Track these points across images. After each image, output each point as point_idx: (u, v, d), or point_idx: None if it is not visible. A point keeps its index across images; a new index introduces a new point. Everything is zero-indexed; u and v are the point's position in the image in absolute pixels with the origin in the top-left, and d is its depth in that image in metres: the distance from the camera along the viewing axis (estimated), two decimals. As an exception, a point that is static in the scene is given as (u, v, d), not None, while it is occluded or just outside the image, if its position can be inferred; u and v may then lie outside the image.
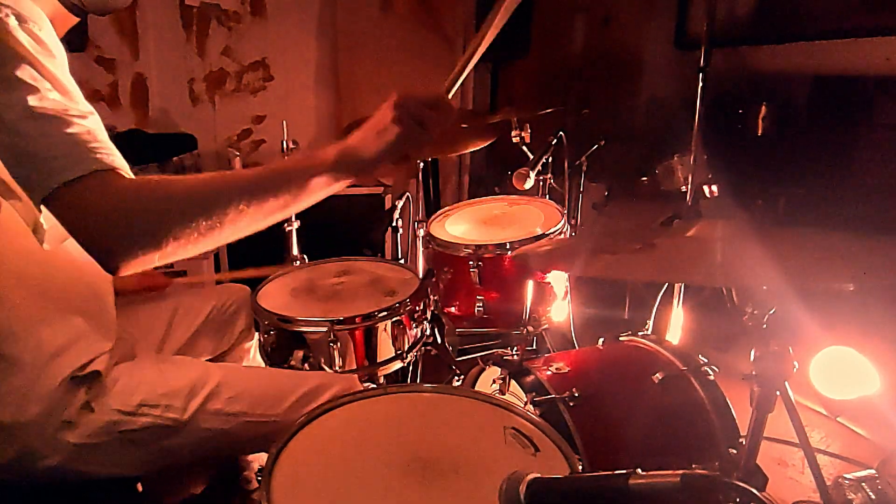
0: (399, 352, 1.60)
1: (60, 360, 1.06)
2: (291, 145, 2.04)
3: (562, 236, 1.82)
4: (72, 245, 0.99)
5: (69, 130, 0.82)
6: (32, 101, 0.81)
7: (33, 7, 0.88)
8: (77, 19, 1.03)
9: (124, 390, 1.11)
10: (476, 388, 1.52)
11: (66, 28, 1.00)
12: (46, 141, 0.81)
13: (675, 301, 2.24)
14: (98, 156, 0.83)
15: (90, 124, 0.85)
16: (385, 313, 1.52)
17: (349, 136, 0.96)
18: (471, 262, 1.75)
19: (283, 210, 0.92)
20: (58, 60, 0.88)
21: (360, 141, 0.95)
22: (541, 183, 2.20)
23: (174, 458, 1.17)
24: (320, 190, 0.94)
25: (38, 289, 1.05)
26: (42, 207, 0.82)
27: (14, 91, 0.81)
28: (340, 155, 0.94)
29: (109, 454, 1.10)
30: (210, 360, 1.54)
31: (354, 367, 1.53)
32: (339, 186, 0.96)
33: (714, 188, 2.44)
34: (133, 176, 0.87)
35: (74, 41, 0.93)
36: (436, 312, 1.77)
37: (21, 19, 0.85)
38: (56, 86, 0.85)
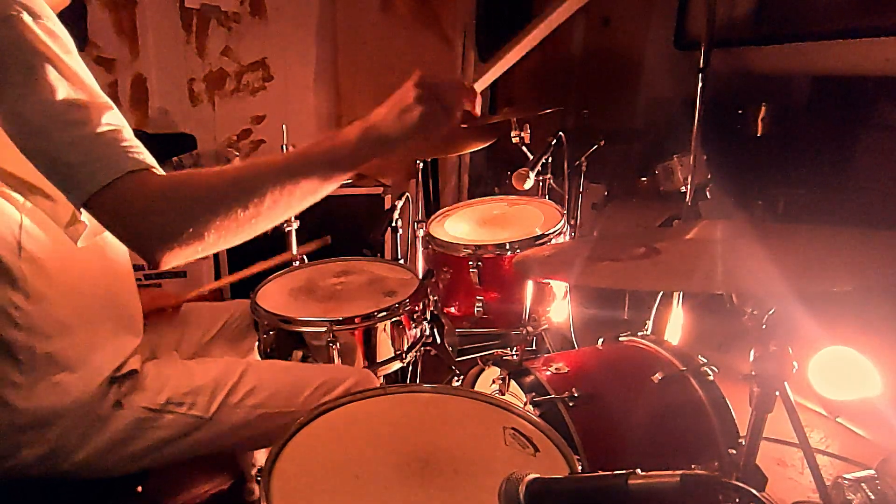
0: (398, 352, 1.60)
1: (97, 360, 1.08)
2: (291, 148, 2.04)
3: (561, 237, 1.82)
4: (95, 245, 1.00)
5: (98, 131, 0.83)
6: (59, 104, 0.81)
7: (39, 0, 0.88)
8: (68, 1, 1.01)
9: (152, 388, 1.14)
10: (476, 388, 1.52)
11: (58, 10, 0.97)
12: (78, 147, 0.81)
13: (675, 301, 2.25)
14: (131, 156, 0.84)
15: (116, 121, 0.86)
16: (384, 313, 1.52)
17: (369, 118, 0.95)
18: (470, 263, 1.75)
19: (315, 192, 0.93)
20: (74, 54, 0.88)
21: (381, 120, 0.94)
22: (540, 183, 2.20)
23: (195, 452, 1.18)
24: (347, 170, 0.94)
25: (68, 288, 1.06)
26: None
27: (39, 92, 0.81)
28: (363, 134, 0.93)
29: (133, 451, 1.12)
30: None
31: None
32: (359, 167, 0.95)
33: (707, 192, 2.44)
34: (161, 171, 0.88)
35: (74, 41, 0.93)
36: (435, 312, 1.76)
37: (34, 15, 0.84)
38: (78, 83, 0.85)
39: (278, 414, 1.20)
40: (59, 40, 0.86)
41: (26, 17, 0.83)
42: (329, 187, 0.94)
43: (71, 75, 0.85)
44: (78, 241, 0.96)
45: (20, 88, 0.81)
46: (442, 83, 0.94)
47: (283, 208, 0.90)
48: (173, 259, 0.85)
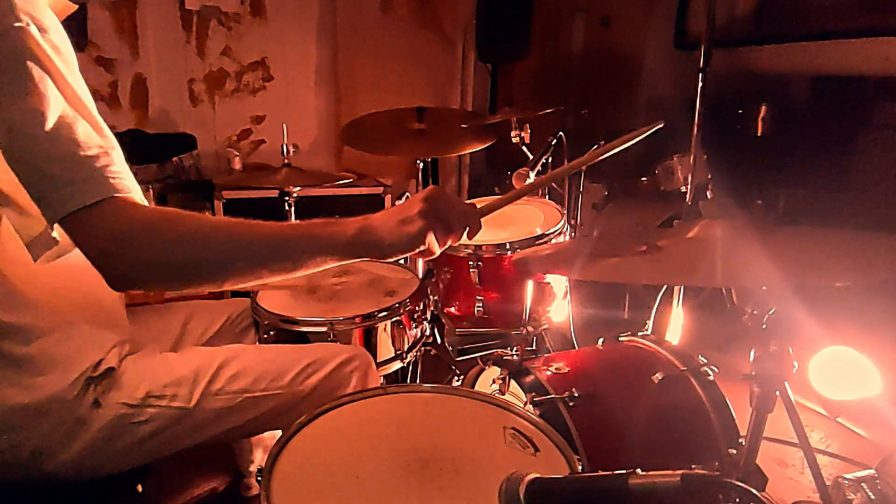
0: (399, 352, 1.60)
1: (71, 361, 1.07)
2: (292, 149, 2.04)
3: (561, 237, 1.82)
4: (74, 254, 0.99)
5: (86, 154, 0.83)
6: (52, 118, 0.82)
7: (46, 10, 0.88)
8: (75, 7, 1.02)
9: (129, 383, 1.12)
10: (476, 388, 1.52)
11: (63, 16, 0.99)
12: (64, 164, 0.82)
13: (675, 301, 2.24)
14: (113, 181, 0.84)
15: (107, 144, 0.87)
16: (385, 313, 1.52)
17: (372, 217, 0.95)
18: (470, 263, 1.75)
19: (290, 272, 0.92)
20: (75, 71, 0.89)
21: (381, 224, 0.93)
22: (540, 183, 2.19)
23: (183, 443, 1.17)
24: (330, 261, 0.93)
25: (42, 296, 1.05)
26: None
27: (34, 103, 0.82)
28: (359, 233, 0.92)
29: (119, 448, 1.11)
30: None
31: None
32: (347, 261, 0.95)
33: (707, 192, 2.44)
34: (144, 201, 0.89)
35: (74, 41, 0.93)
36: (436, 312, 1.77)
37: (41, 28, 0.85)
38: (75, 101, 0.86)
39: (265, 397, 1.19)
40: (62, 56, 0.87)
41: (33, 30, 0.83)
42: (305, 271, 0.93)
43: (70, 93, 0.85)
44: (37, 258, 0.94)
45: (15, 97, 0.81)
46: (451, 205, 0.94)
47: (254, 278, 0.91)
48: (135, 288, 0.87)
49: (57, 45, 0.87)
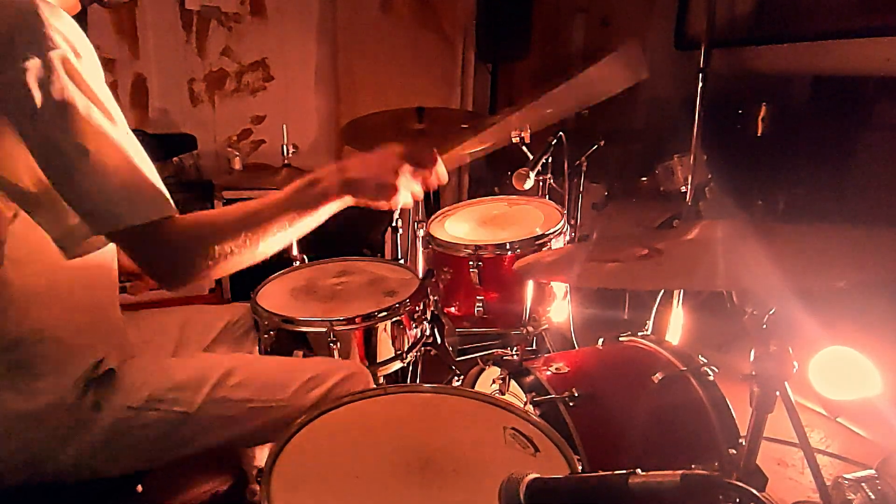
0: (399, 352, 1.60)
1: (70, 365, 1.06)
2: (292, 149, 2.04)
3: (561, 237, 1.82)
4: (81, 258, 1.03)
5: (127, 178, 0.91)
6: (92, 144, 0.88)
7: (74, 25, 0.90)
8: (80, 7, 1.04)
9: (132, 386, 1.11)
10: (476, 388, 1.52)
11: (72, 13, 0.98)
12: (107, 188, 0.89)
13: (675, 301, 2.25)
14: (155, 204, 0.93)
15: (146, 159, 0.95)
16: (385, 313, 1.52)
17: (346, 165, 1.10)
18: (470, 263, 1.75)
19: (313, 222, 1.07)
20: (104, 85, 0.93)
21: (359, 176, 1.09)
22: (540, 183, 2.20)
23: (183, 450, 1.16)
24: (335, 202, 1.08)
25: (44, 303, 1.04)
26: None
27: (77, 127, 0.87)
28: (341, 184, 1.08)
29: (118, 451, 1.10)
30: None
31: (354, 367, 1.53)
32: (346, 202, 1.10)
33: (707, 192, 2.45)
34: (176, 212, 0.96)
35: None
36: (436, 312, 1.76)
37: (75, 52, 0.88)
38: (113, 119, 0.91)
39: (267, 408, 1.18)
40: (95, 76, 0.92)
41: (70, 56, 0.87)
42: (323, 212, 1.08)
43: (107, 111, 0.91)
44: (70, 254, 1.00)
45: (59, 123, 0.86)
46: (420, 160, 1.15)
47: (285, 238, 1.04)
48: (186, 288, 0.98)
49: (90, 67, 0.91)
